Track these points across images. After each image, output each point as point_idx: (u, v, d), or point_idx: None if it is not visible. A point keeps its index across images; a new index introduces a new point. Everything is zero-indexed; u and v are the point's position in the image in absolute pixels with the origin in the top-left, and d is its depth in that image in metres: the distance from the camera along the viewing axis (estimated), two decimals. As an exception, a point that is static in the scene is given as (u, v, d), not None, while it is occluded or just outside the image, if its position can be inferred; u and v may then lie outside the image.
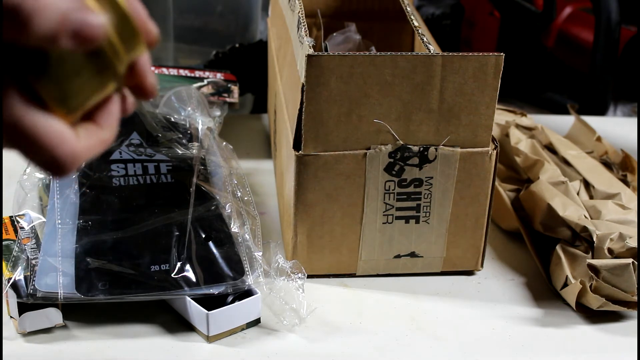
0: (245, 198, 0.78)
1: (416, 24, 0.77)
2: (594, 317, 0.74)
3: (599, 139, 0.96)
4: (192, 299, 0.68)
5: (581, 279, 0.73)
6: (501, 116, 0.99)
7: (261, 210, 0.86)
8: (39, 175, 0.80)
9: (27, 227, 0.73)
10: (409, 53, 0.68)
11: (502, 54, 0.68)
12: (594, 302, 0.72)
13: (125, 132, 0.82)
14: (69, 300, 0.66)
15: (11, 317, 0.68)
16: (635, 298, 0.72)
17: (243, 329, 0.70)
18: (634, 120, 1.15)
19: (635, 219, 0.77)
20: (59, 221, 0.71)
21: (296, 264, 0.72)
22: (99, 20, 0.39)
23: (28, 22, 0.38)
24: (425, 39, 0.73)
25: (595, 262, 0.72)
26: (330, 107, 0.69)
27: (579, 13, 1.32)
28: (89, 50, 0.40)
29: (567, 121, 1.05)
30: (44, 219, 0.73)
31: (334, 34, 0.91)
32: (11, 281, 0.66)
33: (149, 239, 0.71)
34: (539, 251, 0.80)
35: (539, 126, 0.97)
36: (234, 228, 0.74)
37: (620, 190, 0.82)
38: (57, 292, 0.66)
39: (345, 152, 0.71)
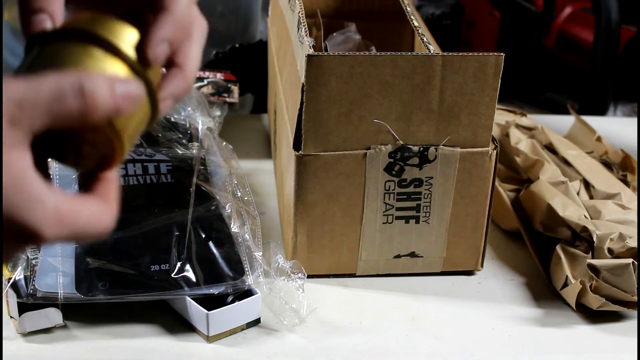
0: (245, 198, 0.78)
1: (416, 24, 0.77)
2: (594, 317, 0.74)
3: (599, 139, 0.96)
4: (192, 299, 0.68)
5: (581, 279, 0.73)
6: (501, 116, 0.99)
7: (261, 210, 0.86)
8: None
9: (27, 227, 0.72)
10: (409, 53, 0.68)
11: (502, 54, 0.68)
12: (594, 302, 0.72)
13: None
14: (69, 300, 0.66)
15: (11, 317, 0.68)
16: (635, 298, 0.72)
17: (243, 329, 0.70)
18: (634, 120, 1.15)
19: (635, 219, 0.77)
20: (59, 221, 0.71)
21: (296, 264, 0.72)
22: (137, 89, 0.41)
23: (92, 101, 0.38)
24: (425, 39, 0.73)
25: (595, 262, 0.72)
26: (330, 107, 0.69)
27: (579, 13, 1.32)
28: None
29: (567, 121, 1.05)
30: (44, 219, 0.73)
31: (334, 34, 0.91)
32: (11, 281, 0.66)
33: (149, 239, 0.71)
34: (539, 251, 0.80)
35: (539, 126, 0.97)
36: (234, 228, 0.74)
37: (620, 190, 0.82)
38: (57, 292, 0.66)
39: (345, 152, 0.71)
